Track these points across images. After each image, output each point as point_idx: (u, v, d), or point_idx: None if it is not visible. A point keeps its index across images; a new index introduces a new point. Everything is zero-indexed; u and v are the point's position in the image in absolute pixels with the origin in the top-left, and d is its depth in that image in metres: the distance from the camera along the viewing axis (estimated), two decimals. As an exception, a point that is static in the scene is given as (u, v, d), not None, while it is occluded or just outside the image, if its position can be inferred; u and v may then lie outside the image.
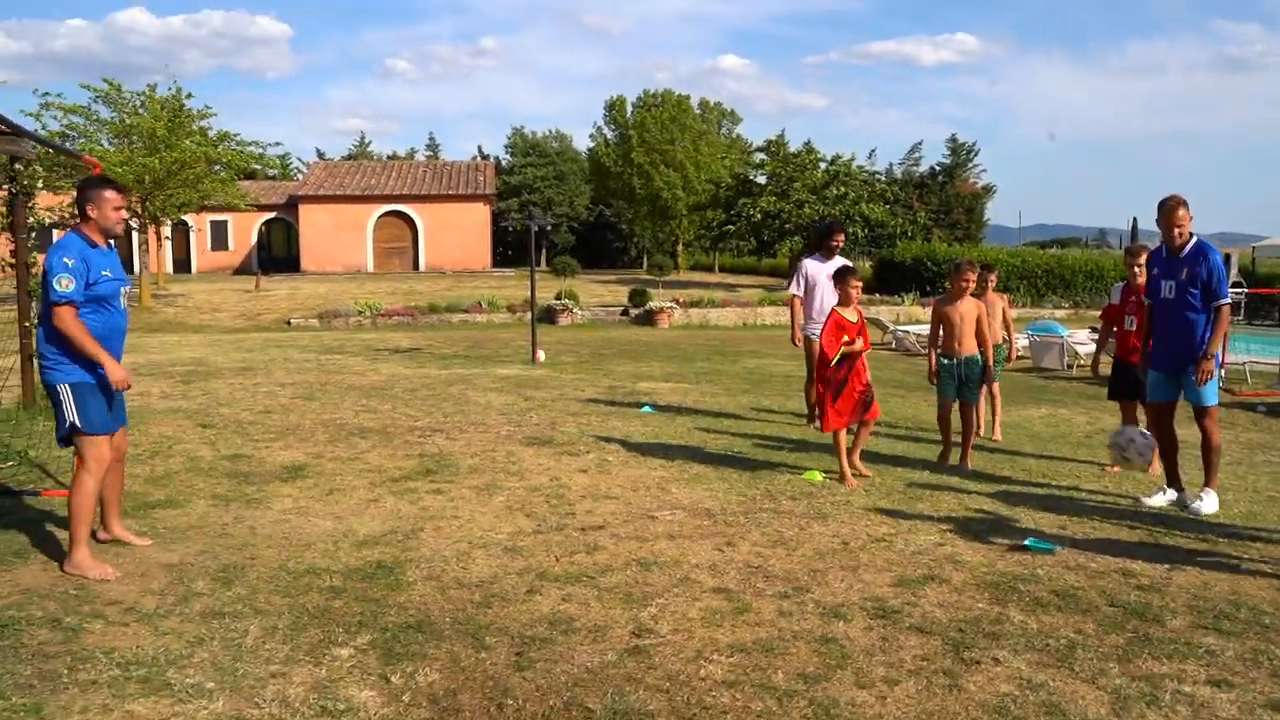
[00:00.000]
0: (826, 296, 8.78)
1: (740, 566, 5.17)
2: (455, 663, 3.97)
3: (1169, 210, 6.54)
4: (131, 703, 3.58)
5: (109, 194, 5.07)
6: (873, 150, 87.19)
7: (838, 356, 7.19)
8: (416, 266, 44.75)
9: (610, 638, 4.22)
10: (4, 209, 9.82)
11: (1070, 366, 16.02)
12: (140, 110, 29.01)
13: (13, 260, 9.48)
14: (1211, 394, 6.52)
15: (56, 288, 4.77)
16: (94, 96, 28.91)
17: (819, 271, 9.07)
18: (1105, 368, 8.70)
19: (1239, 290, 21.32)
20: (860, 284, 7.60)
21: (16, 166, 9.23)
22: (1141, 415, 7.47)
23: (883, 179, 43.46)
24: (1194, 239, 6.58)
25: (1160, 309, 6.75)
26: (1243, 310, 26.40)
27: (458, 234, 44.80)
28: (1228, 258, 30.98)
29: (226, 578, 4.94)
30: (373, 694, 3.71)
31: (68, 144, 25.85)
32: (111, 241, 5.23)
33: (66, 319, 4.82)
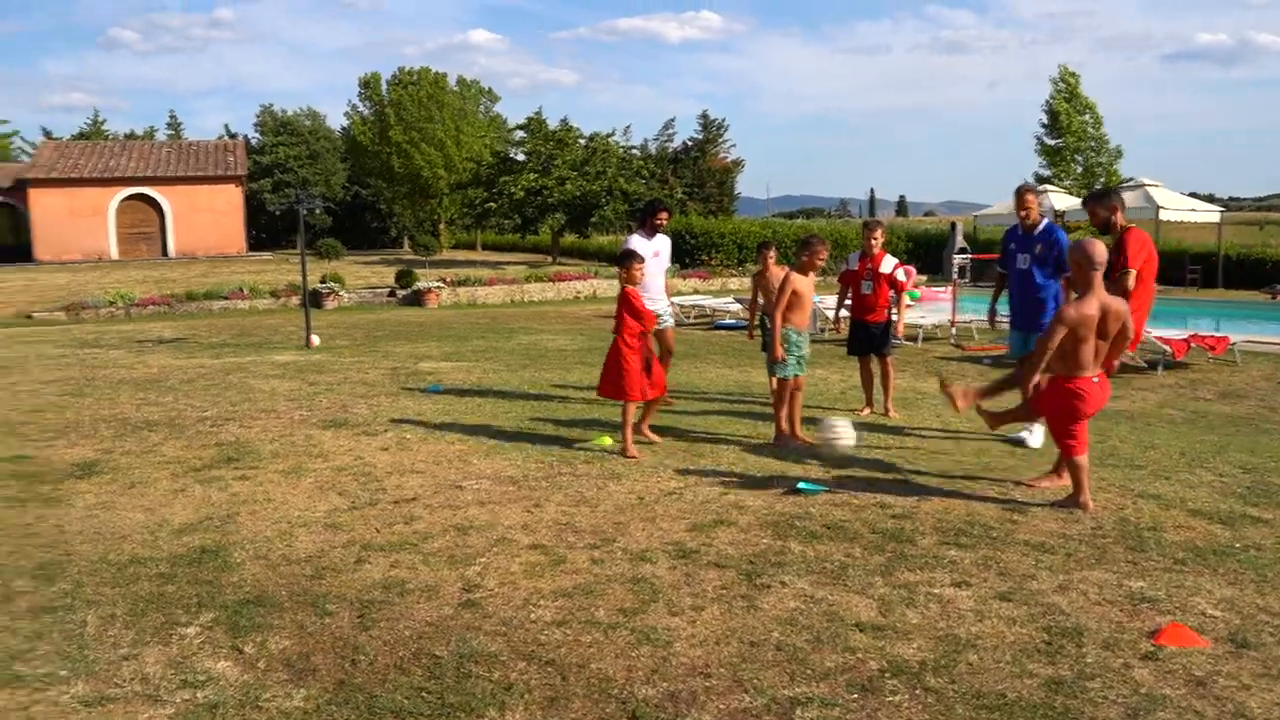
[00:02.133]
0: (652, 271, 9.26)
1: (550, 525, 5.65)
2: (302, 629, 4.27)
3: (1018, 195, 7.87)
4: (-13, 694, 3.71)
5: None
6: (628, 126, 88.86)
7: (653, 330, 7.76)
8: (165, 252, 42.57)
9: (443, 595, 4.62)
10: None
11: (823, 330, 17.30)
12: None
13: None
14: None
15: None
16: None
17: (645, 249, 9.49)
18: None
19: (964, 255, 23.39)
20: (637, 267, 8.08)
21: None
22: (876, 367, 8.64)
23: (639, 155, 44.62)
24: (1044, 221, 7.86)
25: (1015, 279, 7.93)
26: (967, 273, 28.96)
27: (209, 217, 42.89)
28: (953, 227, 33.74)
29: (47, 575, 5.00)
30: (229, 664, 3.97)
31: None
32: None
33: None
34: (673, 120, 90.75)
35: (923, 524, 5.58)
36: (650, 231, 9.58)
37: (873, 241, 9.16)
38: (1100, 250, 5.74)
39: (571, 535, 5.46)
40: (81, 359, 14.35)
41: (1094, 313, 5.64)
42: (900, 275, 9.31)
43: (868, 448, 7.57)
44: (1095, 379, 5.78)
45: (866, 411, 9.07)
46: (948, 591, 4.54)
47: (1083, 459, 5.85)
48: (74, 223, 41.54)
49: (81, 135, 60.52)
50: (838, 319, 10.19)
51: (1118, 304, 5.78)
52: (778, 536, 5.39)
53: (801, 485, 6.35)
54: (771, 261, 9.70)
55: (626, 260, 7.84)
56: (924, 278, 28.16)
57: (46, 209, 41.41)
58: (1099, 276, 5.71)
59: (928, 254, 34.90)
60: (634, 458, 7.29)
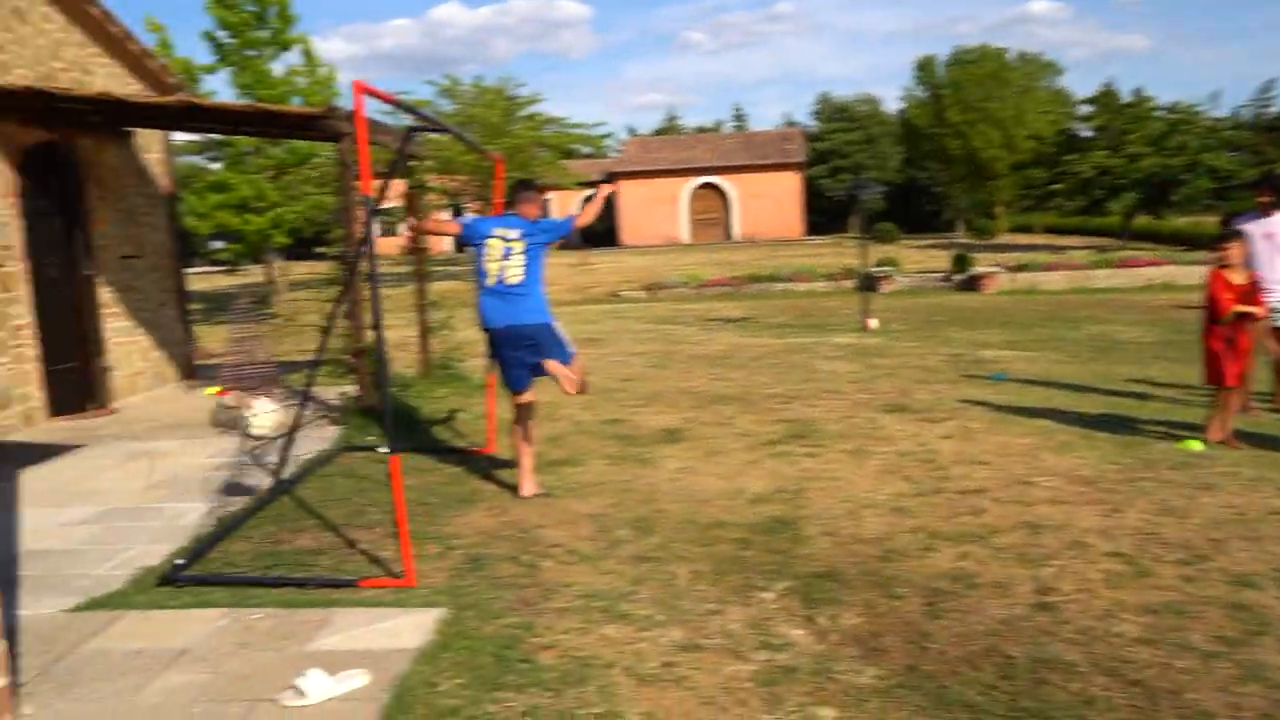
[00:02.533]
0: (1261, 259, 8.32)
1: (1131, 532, 5.24)
2: (871, 609, 4.36)
3: None
4: (601, 628, 4.20)
5: (538, 196, 6.44)
6: (1215, 93, 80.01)
7: (1230, 315, 7.02)
8: (729, 237, 45.67)
9: (1015, 594, 4.47)
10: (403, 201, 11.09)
11: None
12: (475, 101, 31.28)
13: (414, 247, 10.73)
14: None
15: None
16: (436, 91, 31.49)
17: (1254, 230, 8.52)
18: None
19: None
20: (1235, 247, 7.26)
21: (411, 163, 10.37)
22: None
23: (1230, 124, 39.99)
24: None
25: None
26: None
27: (770, 203, 45.33)
28: None
29: (643, 528, 5.56)
30: (802, 633, 4.15)
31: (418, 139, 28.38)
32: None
33: None
34: (1272, 82, 79.79)
35: None
36: (1265, 210, 8.45)
37: None
38: None
39: (1157, 547, 5.02)
40: (661, 334, 15.82)
41: None
42: None
43: None
44: None
45: None
46: None
47: None
48: (653, 210, 45.93)
49: (659, 131, 66.62)
50: None
51: None
52: None
53: None
54: None
55: (1219, 240, 7.17)
56: None
57: (631, 198, 46.19)
58: None
59: None
60: (1236, 447, 6.90)
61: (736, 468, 6.85)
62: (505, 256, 6.12)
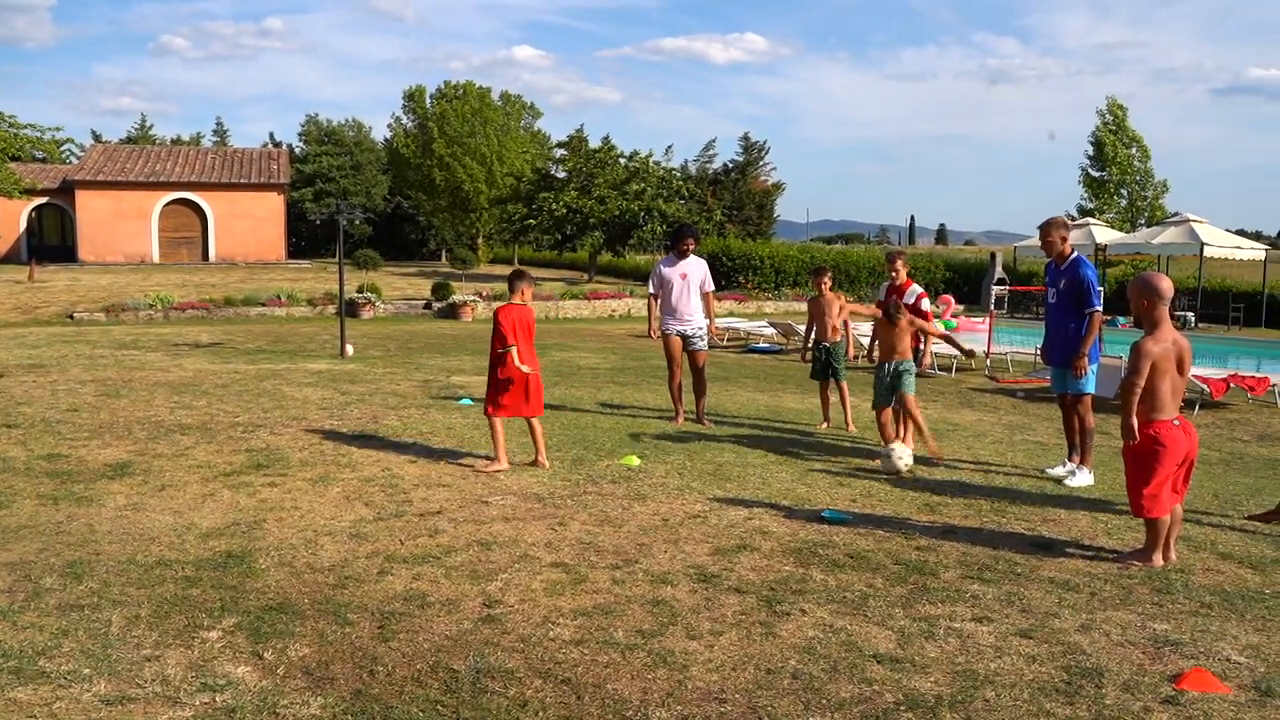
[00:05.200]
0: (677, 294, 9.50)
1: (573, 543, 5.66)
2: (322, 638, 4.30)
3: (1041, 229, 7.77)
4: (10, 691, 3.75)
5: None
6: (669, 146, 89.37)
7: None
8: (206, 257, 43.10)
9: (463, 609, 4.64)
10: None
11: (857, 358, 17.20)
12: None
13: None
14: (1087, 384, 7.50)
15: None
16: None
17: (672, 272, 9.67)
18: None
19: (1003, 285, 23.24)
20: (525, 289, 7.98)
21: None
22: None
23: (679, 175, 44.73)
24: (1074, 254, 7.70)
25: (1048, 312, 7.91)
26: (1005, 304, 28.77)
27: (250, 224, 43.40)
28: (992, 257, 33.53)
29: (75, 573, 5.06)
30: (248, 669, 4.00)
31: None
32: None
33: None
34: (714, 141, 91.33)
35: (947, 557, 5.54)
36: (679, 255, 9.71)
37: (894, 273, 9.52)
38: (1167, 283, 5.46)
39: (594, 555, 5.47)
40: (119, 360, 14.55)
41: (1171, 346, 5.36)
42: (925, 305, 9.35)
43: (895, 479, 7.53)
44: (1176, 422, 5.37)
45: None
46: (968, 626, 4.50)
47: (1161, 520, 5.40)
48: (118, 225, 42.16)
49: (129, 139, 61.52)
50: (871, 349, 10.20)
51: (1185, 339, 5.44)
52: (800, 564, 5.38)
53: (826, 514, 6.33)
54: (826, 286, 9.79)
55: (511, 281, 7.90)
56: (961, 307, 27.99)
57: (92, 211, 42.07)
58: (1166, 309, 5.43)
59: (966, 283, 34.72)
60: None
61: (190, 501, 6.46)
62: None
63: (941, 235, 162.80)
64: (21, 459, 7.63)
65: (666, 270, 9.77)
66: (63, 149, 61.09)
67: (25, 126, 29.33)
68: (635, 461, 7.75)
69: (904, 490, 7.19)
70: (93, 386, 11.51)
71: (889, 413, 8.36)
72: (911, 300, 9.13)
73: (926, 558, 5.51)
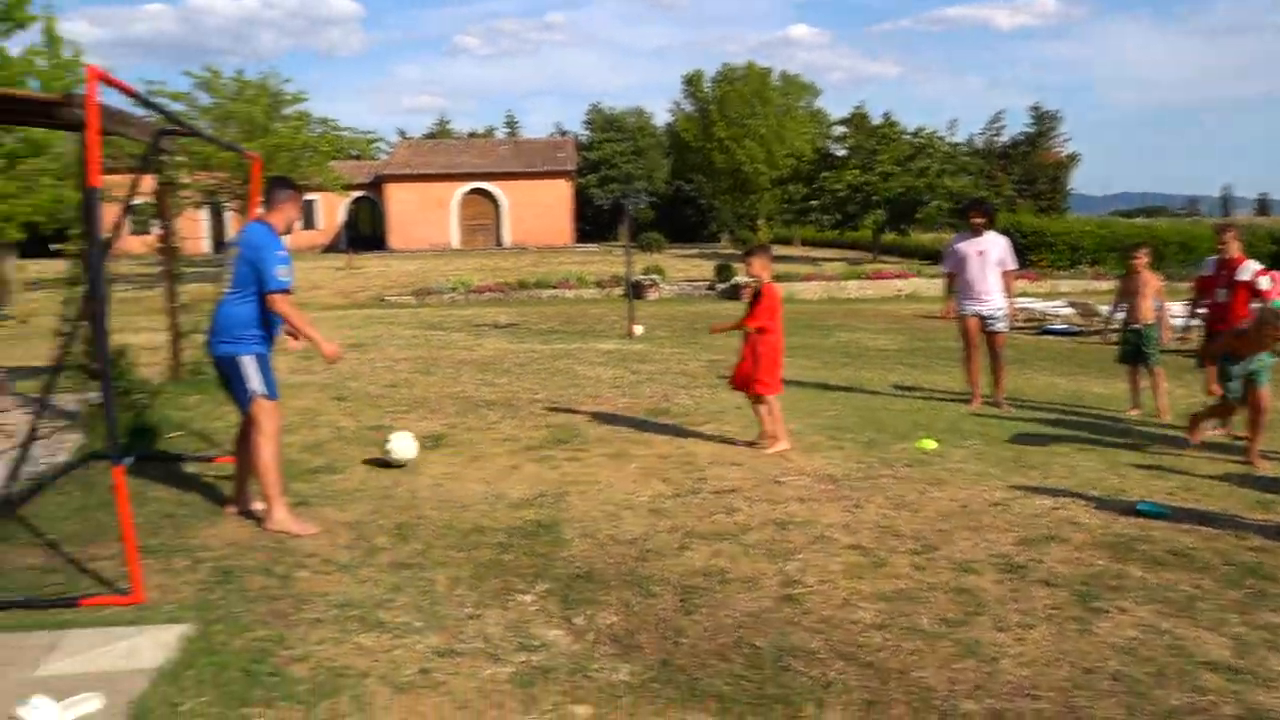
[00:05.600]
0: (974, 272, 9.15)
1: (870, 526, 5.58)
2: (628, 608, 4.45)
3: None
4: (356, 637, 4.11)
5: (297, 195, 5.75)
6: (953, 121, 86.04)
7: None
8: (499, 243, 45.52)
9: (762, 587, 4.67)
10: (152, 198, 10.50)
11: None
12: (235, 95, 29.96)
13: (162, 245, 10.17)
14: None
15: (280, 277, 5.31)
16: (194, 83, 29.98)
17: (968, 248, 9.34)
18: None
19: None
20: (756, 262, 7.79)
21: (163, 158, 9.84)
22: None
23: (965, 150, 43.10)
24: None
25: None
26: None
27: (540, 210, 45.45)
28: None
29: (402, 534, 5.48)
30: (560, 633, 4.20)
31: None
32: None
33: (285, 304, 5.35)
34: (1002, 113, 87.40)
35: (1287, 558, 5.06)
36: (973, 231, 9.31)
37: (1223, 245, 8.58)
38: None
39: (893, 539, 5.37)
40: (427, 340, 15.60)
41: None
42: (1264, 283, 8.47)
43: (1222, 471, 6.95)
44: None
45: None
46: (1320, 636, 4.10)
47: None
48: (422, 214, 45.23)
49: (430, 135, 65.72)
50: (1187, 328, 9.45)
51: None
52: (1115, 559, 5.06)
53: (1141, 506, 5.92)
54: (1142, 263, 9.11)
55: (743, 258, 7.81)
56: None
57: (399, 202, 45.33)
58: None
59: (1293, 260, 31.56)
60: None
61: (499, 473, 6.84)
62: (227, 269, 5.57)
63: (1264, 206, 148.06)
64: (352, 429, 8.32)
65: (962, 247, 9.41)
66: (374, 148, 66.18)
67: (344, 129, 31.93)
68: (931, 445, 7.54)
69: (1230, 485, 6.61)
70: (407, 364, 12.39)
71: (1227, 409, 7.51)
72: (1247, 277, 8.28)
73: (1263, 560, 5.05)
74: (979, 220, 9.32)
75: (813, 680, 3.75)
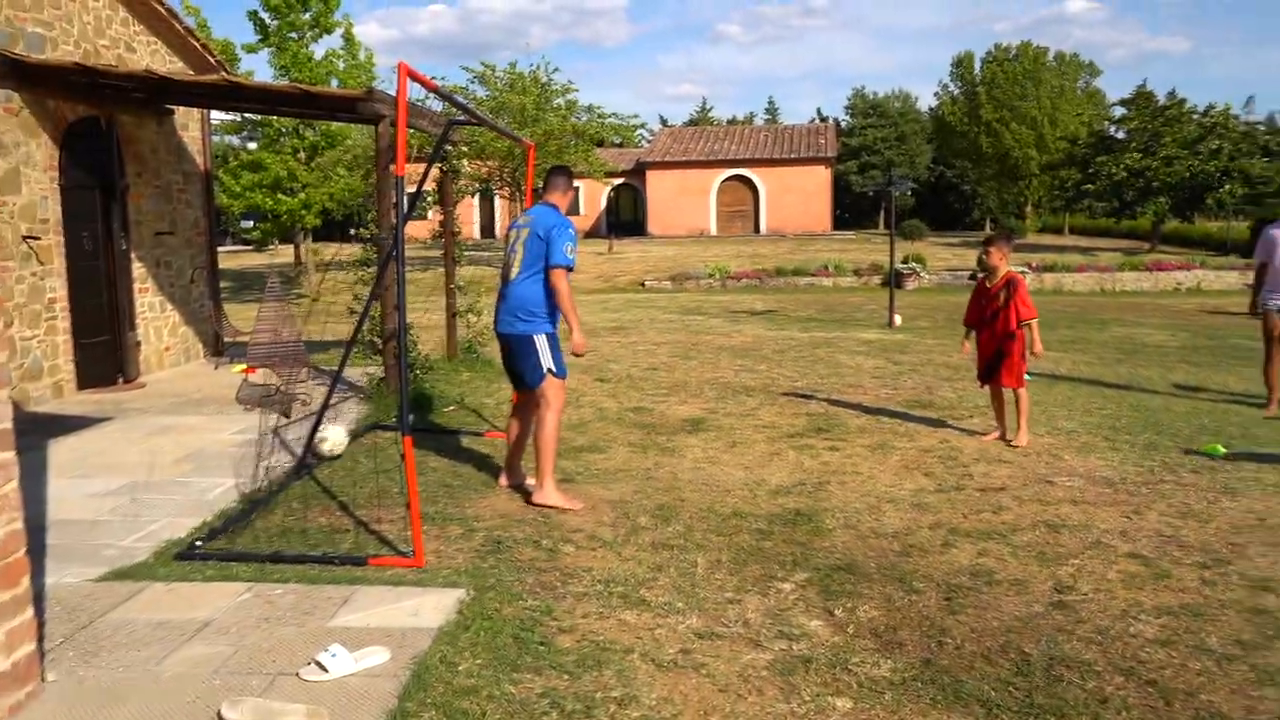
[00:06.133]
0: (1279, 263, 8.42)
1: (1151, 534, 5.24)
2: (889, 602, 4.37)
3: None
4: (620, 613, 4.24)
5: (572, 183, 5.99)
6: (1249, 98, 78.84)
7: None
8: (757, 230, 45.55)
9: (1032, 591, 4.48)
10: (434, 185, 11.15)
11: None
12: (508, 88, 31.28)
13: (440, 230, 10.79)
14: None
15: (567, 254, 5.57)
16: (471, 78, 31.53)
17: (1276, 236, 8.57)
18: None
19: None
20: (995, 252, 7.34)
21: (447, 148, 10.41)
22: None
23: (1263, 129, 39.51)
24: None
25: None
26: None
27: (798, 197, 45.12)
28: None
29: (664, 515, 5.59)
30: (820, 624, 4.17)
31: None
32: None
33: (563, 280, 5.59)
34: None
35: None
36: None
37: None
38: None
39: (1176, 549, 5.02)
40: (686, 325, 15.83)
41: None
42: None
43: None
44: None
45: None
46: None
47: None
48: (681, 201, 45.84)
49: (691, 122, 66.49)
50: None
51: None
52: None
53: None
54: None
55: (984, 244, 7.50)
56: None
57: (660, 188, 46.13)
58: None
59: None
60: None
61: (758, 459, 6.87)
62: (511, 249, 5.83)
63: None
64: (614, 410, 8.56)
65: (1276, 233, 8.60)
66: (636, 134, 67.63)
67: (609, 116, 32.75)
68: (1221, 451, 6.98)
69: None
70: (666, 348, 12.62)
71: None
72: None
73: None
74: None
75: (1088, 694, 3.56)
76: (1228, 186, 31.99)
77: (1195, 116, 34.21)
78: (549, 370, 5.69)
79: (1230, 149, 32.40)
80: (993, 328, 7.31)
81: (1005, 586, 4.54)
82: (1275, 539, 5.18)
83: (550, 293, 5.64)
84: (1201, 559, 4.88)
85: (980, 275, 7.68)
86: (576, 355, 5.89)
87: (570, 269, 5.60)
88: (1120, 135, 36.78)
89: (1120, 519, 5.50)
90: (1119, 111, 38.91)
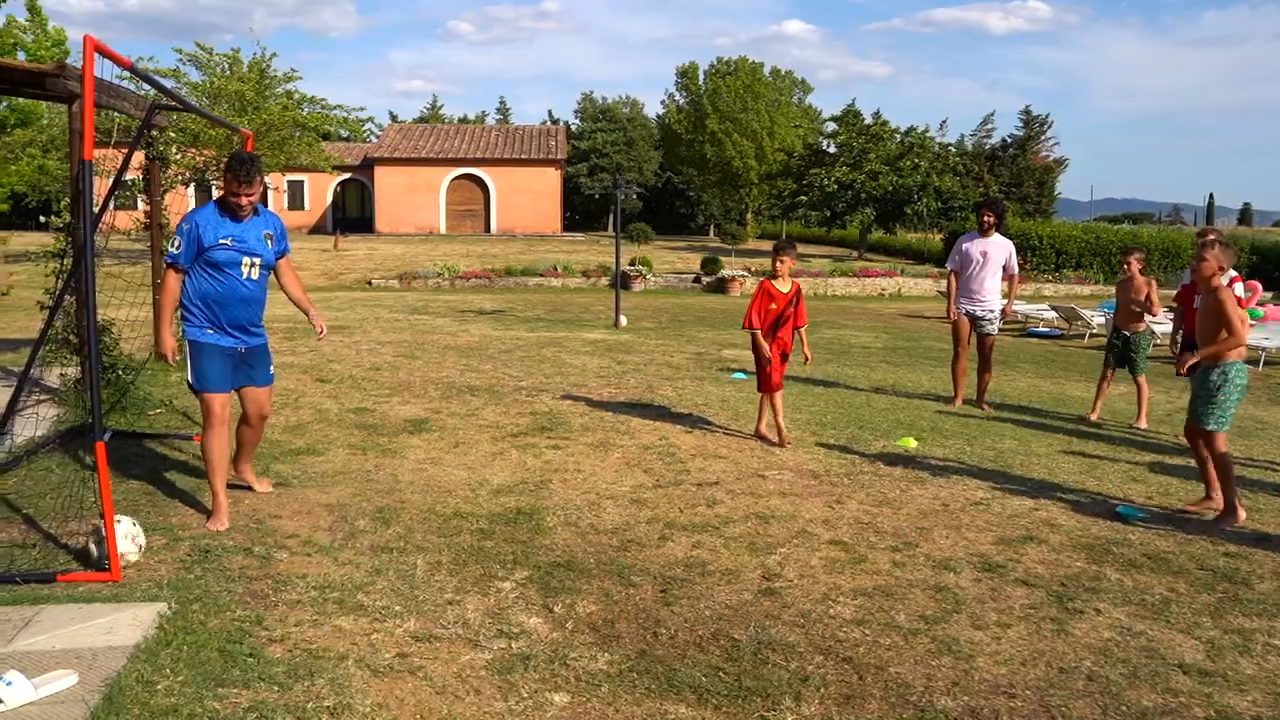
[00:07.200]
0: (975, 273, 9.17)
1: (851, 522, 5.60)
2: (608, 597, 4.46)
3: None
4: (335, 619, 4.10)
5: (228, 175, 5.17)
6: (943, 121, 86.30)
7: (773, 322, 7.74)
8: (488, 229, 45.41)
9: (743, 580, 4.69)
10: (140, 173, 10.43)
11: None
12: (227, 73, 29.77)
13: (148, 221, 10.10)
14: None
15: (170, 249, 5.20)
16: (183, 59, 29.77)
17: (973, 248, 9.35)
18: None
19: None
20: (788, 260, 7.82)
21: (154, 134, 9.77)
22: None
23: (954, 151, 43.16)
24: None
25: None
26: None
27: (529, 197, 45.36)
28: None
29: (384, 518, 5.46)
30: (539, 621, 4.20)
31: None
32: (259, 213, 5.40)
33: (167, 279, 5.24)
34: (991, 115, 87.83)
35: (1260, 566, 5.10)
36: (981, 231, 9.34)
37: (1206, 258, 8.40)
38: None
39: (873, 535, 5.39)
40: (412, 324, 15.55)
41: None
42: (1240, 291, 8.49)
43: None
44: None
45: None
46: (1292, 642, 4.13)
47: None
48: (411, 198, 45.08)
49: (422, 119, 65.42)
50: (1175, 339, 9.28)
51: None
52: (1092, 561, 5.10)
53: (1120, 510, 5.97)
54: (1134, 269, 9.03)
55: (774, 253, 7.87)
56: (1269, 295, 25.64)
57: (389, 185, 45.17)
58: None
59: (1278, 268, 31.69)
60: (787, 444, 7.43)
61: (481, 459, 6.83)
62: None
63: (1245, 215, 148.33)
64: (334, 411, 8.29)
65: (968, 246, 9.41)
66: (364, 128, 65.88)
67: (334, 108, 31.75)
68: (912, 444, 7.58)
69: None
70: (391, 348, 12.35)
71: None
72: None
73: (1237, 565, 5.09)
74: (989, 219, 9.32)
75: (791, 674, 3.77)
76: (924, 200, 34.75)
77: (898, 136, 36.95)
78: (187, 382, 5.36)
79: (927, 166, 35.22)
80: (779, 333, 7.64)
81: (718, 576, 4.73)
82: (956, 522, 5.66)
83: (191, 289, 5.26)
84: (894, 543, 5.27)
85: (764, 279, 7.94)
86: (168, 360, 5.47)
87: (173, 264, 5.19)
88: (832, 149, 39.21)
89: (824, 509, 5.85)
90: (831, 127, 41.46)
